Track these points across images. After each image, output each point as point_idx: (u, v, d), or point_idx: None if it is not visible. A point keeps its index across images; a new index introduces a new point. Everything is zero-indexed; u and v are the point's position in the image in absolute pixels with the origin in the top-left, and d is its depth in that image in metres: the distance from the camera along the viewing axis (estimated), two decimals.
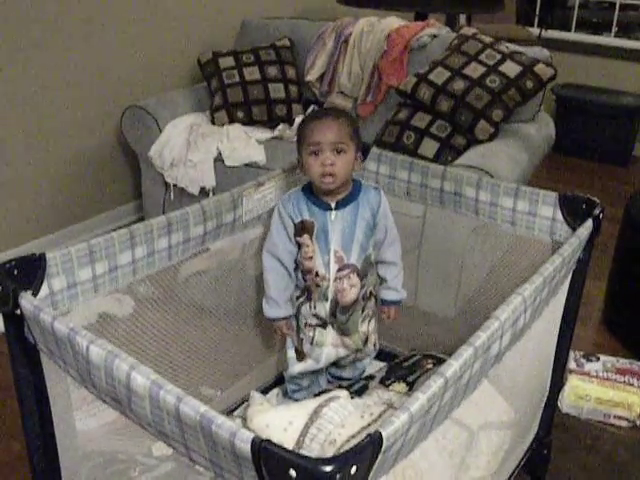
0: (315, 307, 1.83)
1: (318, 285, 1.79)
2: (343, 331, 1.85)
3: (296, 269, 1.84)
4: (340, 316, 1.81)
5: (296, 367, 1.91)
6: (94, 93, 3.15)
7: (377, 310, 1.93)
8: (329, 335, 1.86)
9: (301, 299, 1.85)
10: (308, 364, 1.90)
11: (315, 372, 1.96)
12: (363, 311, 1.84)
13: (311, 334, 1.86)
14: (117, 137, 3.29)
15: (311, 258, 1.77)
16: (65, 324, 1.09)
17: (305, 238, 1.76)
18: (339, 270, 1.77)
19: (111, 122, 3.24)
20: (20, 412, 1.31)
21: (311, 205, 1.76)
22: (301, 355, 1.90)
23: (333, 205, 1.75)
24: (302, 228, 1.76)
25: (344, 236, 1.75)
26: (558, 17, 5.41)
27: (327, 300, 1.80)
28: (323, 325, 1.84)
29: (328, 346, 1.87)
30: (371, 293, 1.87)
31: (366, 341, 1.90)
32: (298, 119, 3.21)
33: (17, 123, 2.87)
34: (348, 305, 1.80)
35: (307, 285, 1.82)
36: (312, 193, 1.76)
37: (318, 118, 1.72)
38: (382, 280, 1.91)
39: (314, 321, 1.84)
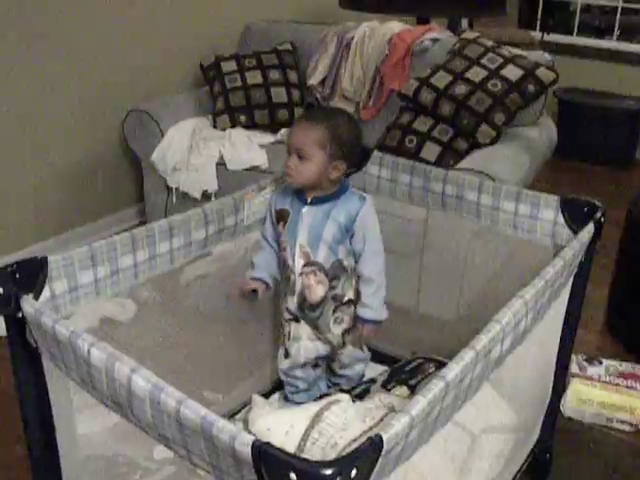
0: (287, 301, 1.85)
1: (289, 278, 1.82)
2: (316, 328, 1.86)
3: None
4: (309, 313, 1.82)
5: (284, 363, 1.93)
6: (96, 97, 3.16)
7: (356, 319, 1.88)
8: (304, 329, 1.86)
9: (283, 295, 1.89)
10: (291, 360, 1.91)
11: (311, 375, 1.95)
12: (334, 312, 1.82)
13: (288, 329, 1.88)
14: (119, 141, 3.29)
15: (285, 249, 1.80)
16: (66, 327, 1.09)
17: (280, 227, 1.81)
18: (305, 265, 1.78)
19: (113, 126, 3.24)
20: (22, 415, 1.31)
21: (294, 197, 1.79)
22: (287, 352, 1.92)
23: (308, 200, 1.77)
24: (279, 217, 1.81)
25: (310, 232, 1.76)
26: (560, 21, 5.41)
27: (294, 294, 1.82)
28: (296, 319, 1.86)
29: (305, 340, 1.87)
30: (350, 300, 1.83)
31: (343, 344, 1.88)
32: None
33: (19, 127, 2.88)
34: (316, 303, 1.80)
35: (285, 277, 1.85)
36: None
37: (299, 119, 1.79)
38: (358, 295, 1.84)
39: (287, 315, 1.87)
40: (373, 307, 1.82)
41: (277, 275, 1.88)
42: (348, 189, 1.79)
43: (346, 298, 1.83)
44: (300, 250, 1.77)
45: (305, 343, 1.88)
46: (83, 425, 1.33)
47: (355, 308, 1.84)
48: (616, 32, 5.06)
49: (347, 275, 1.81)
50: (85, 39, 3.04)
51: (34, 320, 1.15)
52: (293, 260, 1.78)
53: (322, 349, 1.90)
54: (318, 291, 1.78)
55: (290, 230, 1.78)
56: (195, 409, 0.94)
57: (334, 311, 1.82)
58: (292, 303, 1.83)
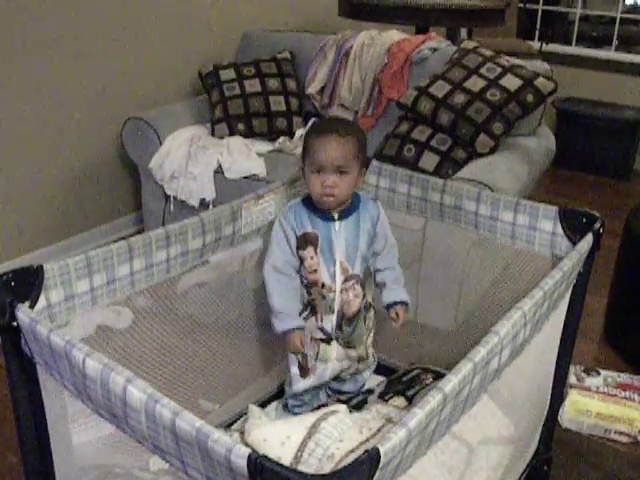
0: (321, 320, 1.80)
1: (324, 297, 1.77)
2: (348, 343, 1.83)
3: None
4: (346, 328, 1.80)
5: (300, 384, 1.87)
6: (95, 104, 3.15)
7: (375, 323, 1.91)
8: (334, 350, 1.83)
9: (304, 313, 1.80)
10: (312, 380, 1.86)
11: (317, 386, 1.94)
12: (365, 322, 1.84)
13: (316, 350, 1.83)
14: (117, 149, 3.29)
15: (316, 271, 1.75)
16: (61, 337, 1.08)
17: (309, 251, 1.74)
18: (345, 281, 1.76)
19: (111, 133, 3.24)
20: (16, 424, 1.30)
21: (313, 217, 1.75)
22: (305, 372, 1.86)
23: (336, 216, 1.74)
24: (305, 241, 1.74)
25: (348, 246, 1.75)
26: (559, 31, 5.42)
27: (333, 312, 1.79)
28: (327, 340, 1.82)
29: (333, 361, 1.85)
30: (370, 304, 1.86)
31: (367, 356, 1.90)
32: (299, 132, 3.21)
33: (16, 135, 2.87)
34: (352, 316, 1.80)
35: (311, 299, 1.79)
36: (312, 205, 1.75)
37: (324, 135, 1.67)
38: (382, 286, 1.86)
39: (319, 335, 1.81)
40: (403, 288, 1.86)
41: (298, 304, 1.81)
42: (360, 196, 1.80)
43: (368, 302, 1.85)
44: (340, 267, 1.75)
45: (333, 364, 1.85)
46: (78, 434, 1.32)
47: (373, 311, 1.88)
48: (614, 42, 5.07)
49: (371, 278, 1.84)
50: (84, 47, 3.04)
51: (29, 329, 1.14)
52: (333, 278, 1.75)
53: (345, 365, 1.89)
54: (356, 304, 1.78)
55: (325, 251, 1.74)
56: (190, 421, 0.93)
57: (364, 320, 1.84)
58: (329, 322, 1.80)
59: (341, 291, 1.76)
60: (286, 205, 1.81)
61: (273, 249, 1.77)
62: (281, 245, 1.76)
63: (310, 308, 1.80)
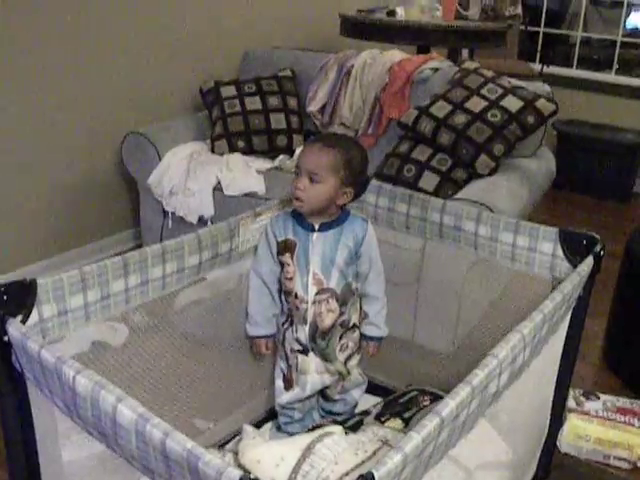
0: (296, 331, 1.82)
1: (298, 308, 1.79)
2: (324, 357, 1.83)
3: (280, 291, 1.84)
4: (320, 341, 1.80)
5: (284, 397, 1.89)
6: (94, 119, 3.15)
7: (359, 344, 1.90)
8: (312, 362, 1.83)
9: (286, 325, 1.85)
10: (295, 393, 1.87)
11: (307, 405, 1.93)
12: (341, 339, 1.82)
13: (295, 361, 1.85)
14: (116, 164, 3.28)
15: (291, 279, 1.78)
16: (52, 353, 1.07)
17: (286, 257, 1.78)
18: (317, 293, 1.77)
19: (111, 148, 3.24)
20: (4, 440, 1.29)
21: (296, 225, 1.78)
22: (289, 383, 1.88)
23: (316, 227, 1.76)
24: (284, 247, 1.78)
25: (324, 259, 1.76)
26: (560, 53, 5.45)
27: (306, 323, 1.79)
28: (305, 352, 1.83)
29: (312, 373, 1.85)
30: (355, 325, 1.86)
31: (348, 373, 1.88)
32: (299, 150, 3.21)
33: (15, 148, 2.86)
34: (326, 330, 1.79)
35: (289, 308, 1.83)
36: (299, 214, 1.78)
37: (312, 142, 1.76)
38: (365, 315, 1.89)
39: (296, 346, 1.83)
40: (380, 325, 1.89)
41: (274, 312, 1.87)
42: (350, 213, 1.81)
43: (351, 323, 1.84)
44: (313, 277, 1.76)
45: (312, 376, 1.85)
46: (68, 452, 1.30)
47: (358, 333, 1.87)
48: (615, 66, 5.08)
49: (354, 299, 1.83)
50: (84, 61, 3.04)
51: (20, 344, 1.13)
52: (305, 289, 1.77)
53: (328, 380, 1.88)
54: (328, 319, 1.78)
55: (300, 259, 1.76)
56: (181, 442, 0.91)
57: (340, 338, 1.82)
58: (303, 333, 1.81)
59: (313, 302, 1.77)
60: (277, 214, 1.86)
61: (258, 253, 1.84)
62: (264, 250, 1.83)
63: (289, 319, 1.84)
